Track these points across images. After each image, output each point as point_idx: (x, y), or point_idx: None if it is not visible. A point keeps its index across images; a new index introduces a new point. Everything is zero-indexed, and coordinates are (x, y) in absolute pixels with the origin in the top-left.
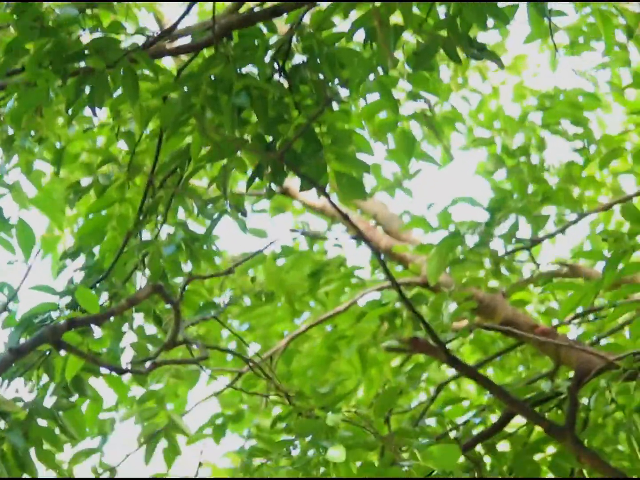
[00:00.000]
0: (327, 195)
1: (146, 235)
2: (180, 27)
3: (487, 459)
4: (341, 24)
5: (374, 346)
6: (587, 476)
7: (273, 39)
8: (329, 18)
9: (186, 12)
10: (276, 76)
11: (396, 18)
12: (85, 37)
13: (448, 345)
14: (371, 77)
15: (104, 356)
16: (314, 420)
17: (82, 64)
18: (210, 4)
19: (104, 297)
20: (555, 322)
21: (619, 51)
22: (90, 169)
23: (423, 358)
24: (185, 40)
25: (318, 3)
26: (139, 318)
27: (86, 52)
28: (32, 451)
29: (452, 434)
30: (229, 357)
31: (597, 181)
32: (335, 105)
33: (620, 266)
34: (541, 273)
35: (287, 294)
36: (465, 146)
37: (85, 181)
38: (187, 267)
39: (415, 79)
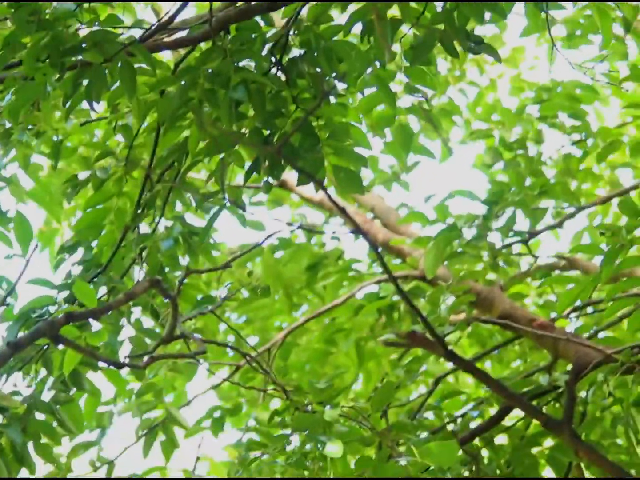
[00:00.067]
0: (325, 190)
1: (144, 229)
2: (177, 20)
3: (485, 453)
4: (338, 18)
5: (372, 339)
6: (584, 470)
7: (270, 33)
8: (327, 11)
9: (184, 6)
10: (273, 70)
11: (394, 11)
12: (83, 31)
13: (446, 339)
14: (369, 70)
15: (102, 350)
16: (311, 415)
17: (80, 58)
18: None
19: (102, 291)
20: (553, 315)
21: (617, 44)
22: (88, 162)
23: (421, 351)
24: (183, 33)
25: None
26: (137, 312)
27: (83, 45)
28: (30, 445)
29: (450, 427)
30: (228, 349)
31: (594, 174)
32: (332, 99)
33: (618, 260)
34: (539, 266)
35: (284, 287)
36: (463, 139)
37: (83, 175)
38: (184, 261)
39: (413, 73)
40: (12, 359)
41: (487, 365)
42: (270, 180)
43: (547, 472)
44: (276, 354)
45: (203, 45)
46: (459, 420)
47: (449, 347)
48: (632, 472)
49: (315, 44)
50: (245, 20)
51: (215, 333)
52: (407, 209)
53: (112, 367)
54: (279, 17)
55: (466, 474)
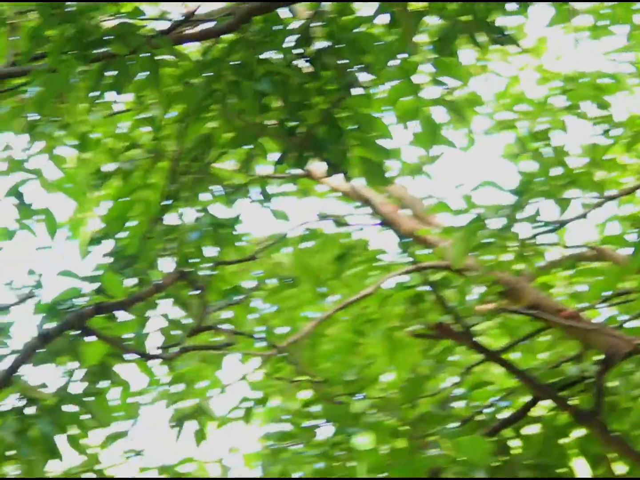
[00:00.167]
0: (352, 182)
1: (172, 219)
2: (201, 12)
3: (514, 443)
4: (363, 9)
5: (401, 329)
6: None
7: (295, 25)
8: (351, 3)
9: None
10: (298, 62)
11: (418, 3)
12: (107, 23)
13: (475, 329)
14: (393, 62)
15: (131, 342)
16: (340, 406)
17: (104, 50)
18: None
19: (131, 282)
20: (582, 305)
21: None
22: (114, 154)
23: (450, 342)
24: (207, 25)
25: None
26: (165, 304)
27: (108, 37)
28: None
29: (479, 418)
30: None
31: (620, 164)
32: (357, 91)
33: None
34: (567, 256)
35: (312, 277)
36: (488, 130)
37: (109, 167)
38: (212, 252)
39: (437, 64)
40: (41, 350)
41: (517, 355)
42: (296, 171)
43: (577, 462)
44: (305, 344)
45: (228, 37)
46: (489, 410)
47: (476, 338)
48: None
49: (339, 35)
50: (269, 12)
51: (244, 323)
52: (434, 200)
53: (140, 358)
54: (303, 9)
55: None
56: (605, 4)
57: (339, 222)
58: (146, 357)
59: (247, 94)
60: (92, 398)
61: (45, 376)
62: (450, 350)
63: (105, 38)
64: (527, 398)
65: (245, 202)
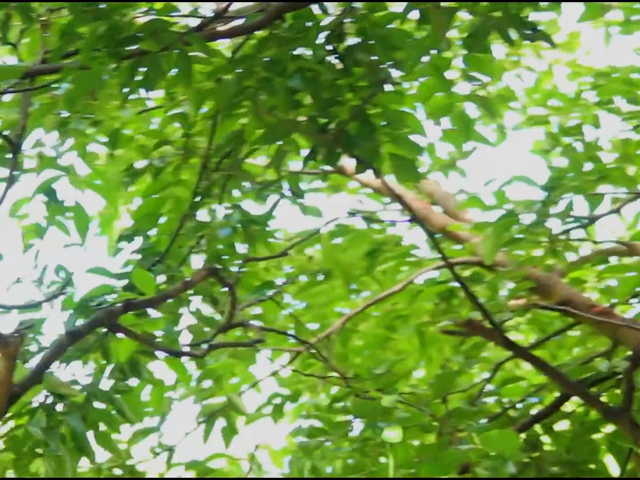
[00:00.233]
0: (383, 178)
1: (202, 217)
2: (233, 8)
3: (545, 439)
4: (394, 5)
5: (433, 325)
6: None
7: (326, 21)
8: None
9: None
10: (330, 58)
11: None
12: (139, 20)
13: (506, 325)
14: (424, 58)
15: (162, 339)
16: (370, 402)
17: (136, 47)
18: None
19: (161, 279)
20: (613, 301)
21: None
22: (145, 150)
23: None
24: (239, 22)
25: None
26: (196, 300)
27: (140, 34)
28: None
29: (510, 414)
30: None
31: None
32: (388, 87)
33: None
34: (598, 251)
35: (344, 273)
36: (519, 125)
37: (140, 163)
38: (243, 248)
39: (468, 60)
40: (71, 347)
41: (547, 352)
42: (327, 167)
43: (608, 458)
44: (336, 340)
45: (259, 34)
46: (519, 406)
47: (506, 334)
48: None
49: (371, 32)
50: (301, 8)
51: (275, 319)
52: (465, 195)
53: (169, 356)
54: (334, 5)
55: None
56: None
57: (369, 218)
58: (175, 354)
59: (279, 91)
60: (122, 395)
61: (75, 373)
62: (481, 346)
63: (137, 35)
64: (558, 394)
65: (276, 199)
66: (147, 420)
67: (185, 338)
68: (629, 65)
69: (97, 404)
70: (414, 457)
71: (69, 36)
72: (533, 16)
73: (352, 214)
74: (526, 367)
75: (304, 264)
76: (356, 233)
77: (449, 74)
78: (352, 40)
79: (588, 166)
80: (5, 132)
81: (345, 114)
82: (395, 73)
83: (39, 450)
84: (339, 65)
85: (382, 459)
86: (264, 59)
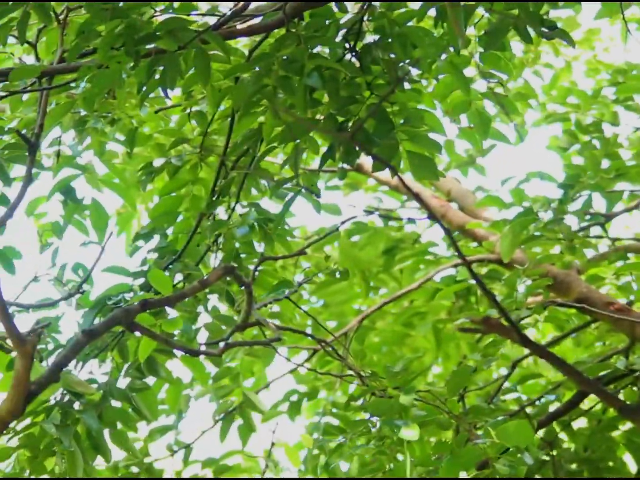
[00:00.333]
0: (399, 176)
1: (220, 215)
2: (251, 7)
3: (563, 436)
4: (412, 3)
5: (450, 322)
6: None
7: (344, 19)
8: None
9: None
10: (347, 56)
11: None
12: (157, 18)
13: (524, 322)
14: (443, 56)
15: (179, 337)
16: (387, 400)
17: (154, 45)
18: None
19: (178, 278)
20: (631, 298)
21: None
22: (163, 149)
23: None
24: (257, 20)
25: None
26: (213, 299)
27: (158, 33)
28: (106, 432)
29: (528, 411)
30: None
31: None
32: (407, 85)
33: None
34: (616, 248)
35: (361, 271)
36: (538, 122)
37: (158, 162)
38: (260, 247)
39: (487, 58)
40: (87, 346)
41: (564, 348)
42: (345, 165)
43: (626, 456)
44: (353, 337)
45: (277, 32)
46: (537, 403)
47: (524, 333)
48: None
49: (389, 29)
50: (318, 6)
51: (293, 317)
52: (483, 193)
53: (186, 354)
54: (352, 3)
55: (544, 458)
56: None
57: (387, 216)
58: (193, 352)
59: (297, 89)
60: (138, 393)
61: (92, 371)
62: (499, 343)
63: (155, 34)
64: (575, 392)
65: (294, 197)
66: (164, 418)
67: (203, 336)
68: None
69: (114, 403)
70: (432, 454)
71: (86, 35)
72: (552, 13)
73: (369, 212)
74: (544, 364)
75: (321, 262)
76: (374, 231)
77: (467, 72)
78: (370, 38)
79: (606, 163)
80: (23, 131)
81: (363, 112)
82: (414, 71)
83: (55, 449)
84: (357, 64)
85: (399, 457)
86: (282, 58)
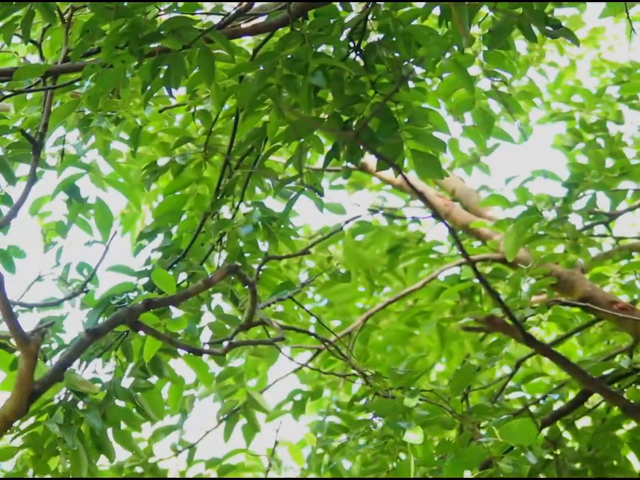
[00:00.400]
0: (403, 175)
1: (224, 213)
2: (255, 6)
3: (566, 435)
4: (416, 2)
5: (454, 321)
6: None
7: (348, 18)
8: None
9: None
10: (352, 55)
11: None
12: (162, 17)
13: (528, 321)
14: (447, 55)
15: (183, 337)
16: (390, 400)
17: (158, 45)
18: None
19: (182, 277)
20: (635, 297)
21: None
22: (167, 148)
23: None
24: (261, 19)
25: None
26: (217, 298)
27: (162, 32)
28: (109, 432)
29: (532, 410)
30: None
31: None
32: (411, 84)
33: None
34: (620, 247)
35: (365, 270)
36: (543, 120)
37: (162, 161)
38: (264, 246)
39: (491, 57)
40: (91, 345)
41: (569, 347)
42: (350, 164)
43: (630, 455)
44: (357, 337)
45: (281, 31)
46: (541, 402)
47: (528, 332)
48: None
49: (393, 28)
50: (323, 5)
51: (297, 316)
52: (487, 192)
53: (190, 353)
54: (356, 2)
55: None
56: None
57: (391, 215)
58: (196, 352)
59: (301, 88)
60: (142, 393)
61: (96, 371)
62: (503, 342)
63: (159, 33)
64: (579, 391)
65: (298, 196)
66: (168, 418)
67: (206, 336)
68: None
69: (118, 402)
70: (435, 454)
71: (91, 34)
72: (556, 12)
73: (374, 210)
74: (548, 363)
75: (325, 261)
76: (378, 230)
77: (471, 70)
78: (374, 37)
79: (610, 162)
80: (27, 130)
81: (367, 111)
82: (418, 70)
83: (58, 448)
84: (361, 62)
85: (403, 456)
86: (287, 57)
